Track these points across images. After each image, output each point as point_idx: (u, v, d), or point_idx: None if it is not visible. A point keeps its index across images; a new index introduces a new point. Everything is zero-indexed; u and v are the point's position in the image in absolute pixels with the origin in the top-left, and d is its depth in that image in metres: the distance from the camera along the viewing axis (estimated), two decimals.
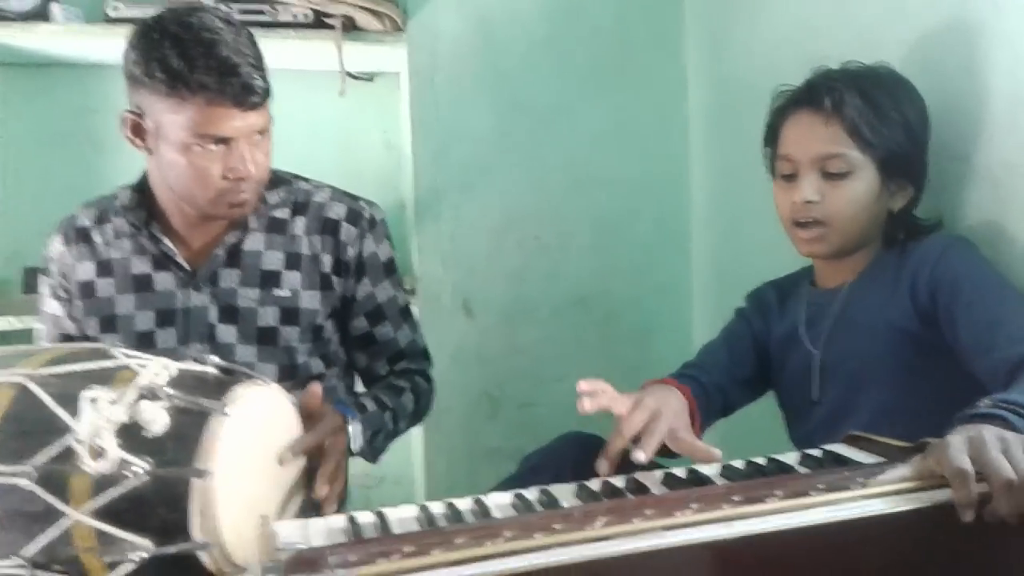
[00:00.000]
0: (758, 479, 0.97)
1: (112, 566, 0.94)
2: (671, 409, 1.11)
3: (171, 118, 1.23)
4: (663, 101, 2.10)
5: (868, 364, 1.22)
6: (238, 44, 1.23)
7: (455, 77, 1.99)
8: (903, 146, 1.23)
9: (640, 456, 1.04)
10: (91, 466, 0.94)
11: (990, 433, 0.83)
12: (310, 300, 1.38)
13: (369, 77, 2.07)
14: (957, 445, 0.82)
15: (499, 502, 0.95)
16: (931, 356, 1.17)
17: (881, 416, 1.17)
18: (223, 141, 1.25)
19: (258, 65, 1.25)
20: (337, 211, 1.42)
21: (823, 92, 1.22)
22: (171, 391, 1.00)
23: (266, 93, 1.27)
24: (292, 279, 1.38)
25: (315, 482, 1.13)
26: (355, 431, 1.25)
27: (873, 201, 1.23)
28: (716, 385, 1.35)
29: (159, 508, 0.95)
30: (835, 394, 1.26)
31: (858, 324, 1.25)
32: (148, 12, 1.30)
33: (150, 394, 0.99)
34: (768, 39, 1.79)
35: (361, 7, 1.85)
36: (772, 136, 1.32)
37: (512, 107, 2.02)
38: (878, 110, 1.21)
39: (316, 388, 1.18)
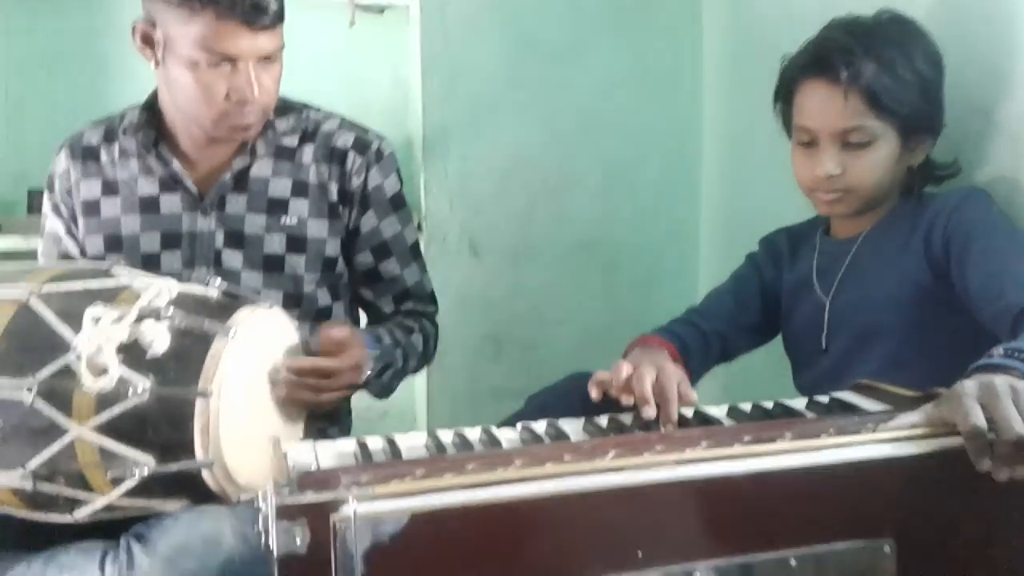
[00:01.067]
0: (766, 421, 0.96)
1: (115, 481, 0.94)
2: (671, 372, 1.06)
3: (180, 30, 1.21)
4: (678, 46, 2.06)
5: (878, 315, 1.21)
6: None
7: (467, 12, 1.94)
8: (921, 106, 1.20)
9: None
10: (93, 383, 0.93)
11: (1003, 382, 0.82)
12: (317, 229, 1.37)
13: (379, 9, 2.02)
14: (970, 394, 0.81)
15: (508, 435, 0.94)
16: (941, 309, 1.16)
17: (888, 367, 1.16)
18: (230, 60, 1.23)
19: None
20: (345, 140, 1.39)
21: (838, 62, 1.18)
22: (173, 311, 0.99)
23: (278, 16, 1.24)
24: (299, 207, 1.36)
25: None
26: (370, 357, 1.24)
27: (895, 163, 1.22)
28: (716, 332, 1.35)
29: (162, 426, 0.96)
30: (844, 343, 1.26)
31: (870, 275, 1.24)
32: None
33: (152, 314, 0.99)
34: None
35: None
36: (786, 98, 1.29)
37: (524, 45, 1.98)
38: (894, 75, 1.17)
39: (343, 326, 1.19)
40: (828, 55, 1.20)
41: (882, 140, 1.20)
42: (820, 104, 1.21)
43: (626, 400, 1.01)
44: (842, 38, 1.21)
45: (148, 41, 1.26)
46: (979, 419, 0.79)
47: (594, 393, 1.05)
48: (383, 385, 1.37)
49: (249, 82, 1.24)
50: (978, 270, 1.09)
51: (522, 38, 1.98)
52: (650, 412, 0.99)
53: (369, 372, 1.23)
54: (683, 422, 0.99)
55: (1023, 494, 0.80)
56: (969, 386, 0.83)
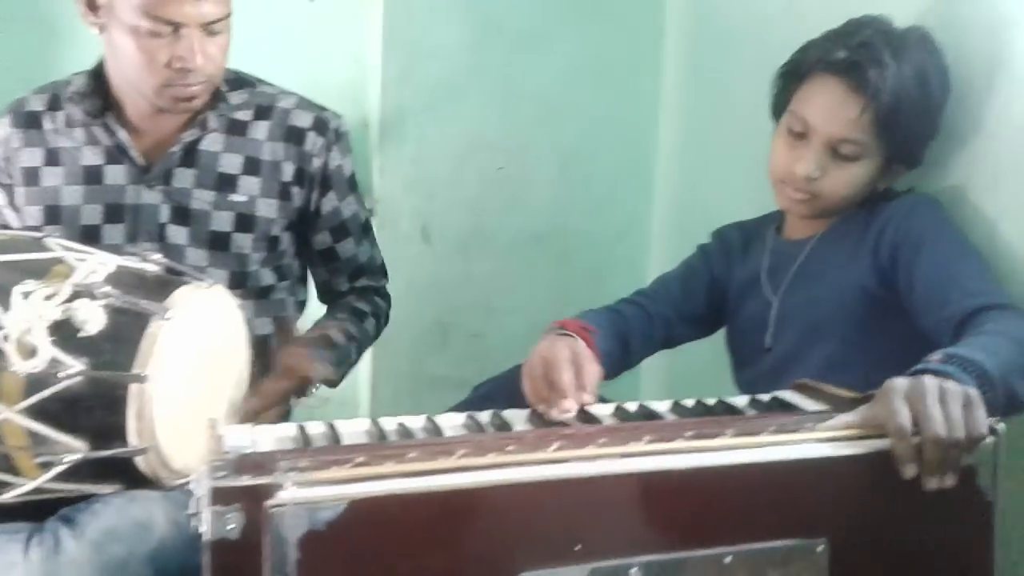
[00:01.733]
0: (708, 417, 0.97)
1: (45, 466, 0.91)
2: (562, 357, 1.06)
3: None
4: (640, 38, 2.05)
5: (823, 317, 1.22)
6: None
7: None
8: (921, 143, 1.21)
9: (586, 398, 1.02)
10: (22, 365, 0.90)
11: (932, 382, 0.83)
12: (267, 208, 1.34)
13: None
14: (898, 393, 0.83)
15: (451, 423, 0.94)
16: (885, 316, 1.17)
17: (829, 369, 1.16)
18: (172, 27, 1.19)
19: None
20: (303, 119, 1.37)
21: (870, 73, 1.14)
22: (109, 289, 0.96)
23: None
24: (249, 184, 1.33)
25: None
26: (320, 375, 1.26)
27: (868, 182, 1.22)
28: (661, 315, 1.35)
29: (95, 410, 0.93)
30: (788, 343, 1.27)
31: (819, 277, 1.25)
32: None
33: (87, 291, 0.96)
34: None
35: None
36: (792, 78, 1.25)
37: (487, 30, 1.95)
38: (912, 102, 1.15)
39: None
40: (862, 62, 1.15)
41: (868, 159, 1.19)
42: (833, 104, 1.18)
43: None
44: (878, 48, 1.16)
45: (92, 6, 1.23)
46: (904, 418, 0.81)
47: (539, 408, 1.03)
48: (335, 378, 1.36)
49: (192, 50, 1.21)
50: (924, 278, 1.11)
51: (485, 23, 1.95)
52: (566, 406, 0.99)
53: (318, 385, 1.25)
54: (627, 416, 0.99)
55: (952, 496, 0.82)
56: (898, 384, 0.84)
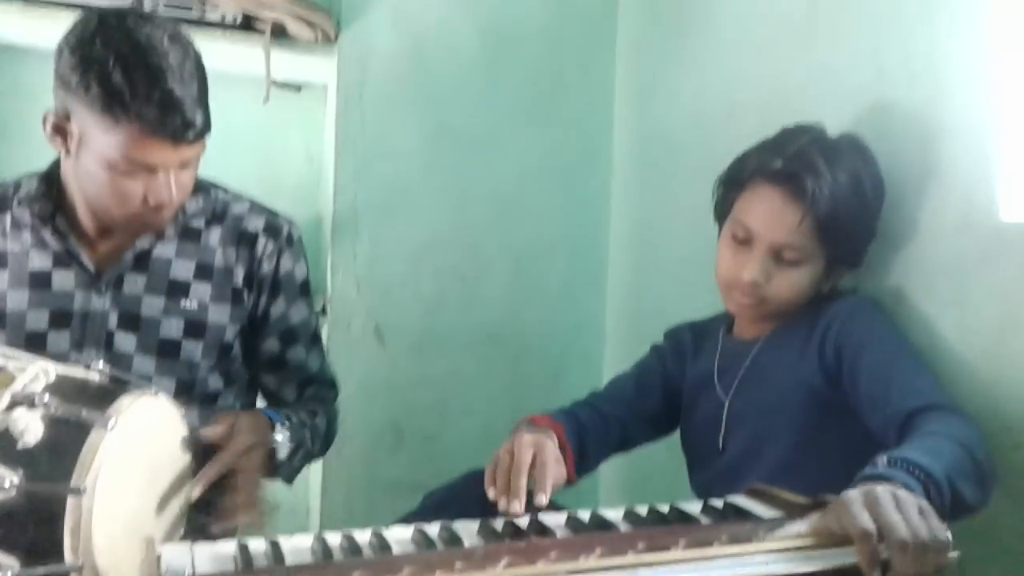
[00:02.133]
0: (661, 527, 0.96)
1: None
2: (548, 450, 1.10)
3: (100, 134, 1.16)
4: (590, 140, 2.12)
5: (774, 418, 1.23)
6: (183, 72, 1.16)
7: (384, 94, 1.96)
8: (861, 245, 1.26)
9: (542, 500, 1.04)
10: None
11: (884, 490, 0.84)
12: (219, 314, 1.33)
13: (296, 87, 2.03)
14: (856, 504, 0.83)
15: (399, 536, 0.91)
16: (834, 415, 1.19)
17: (781, 471, 1.17)
18: (150, 168, 1.18)
19: (202, 98, 1.19)
20: (255, 224, 1.37)
21: (808, 184, 1.18)
22: (48, 398, 0.94)
23: (205, 129, 1.20)
24: (201, 291, 1.32)
25: (204, 486, 1.09)
26: (283, 439, 1.22)
27: (812, 285, 1.25)
28: (617, 419, 1.35)
29: (28, 526, 0.89)
30: (740, 444, 1.28)
31: (768, 377, 1.27)
32: None
33: (26, 400, 0.93)
34: (692, 89, 1.83)
35: (293, 14, 1.81)
36: (733, 185, 1.29)
37: (439, 131, 2.00)
38: (848, 208, 1.20)
39: (220, 425, 1.15)
40: (799, 172, 1.19)
41: (811, 263, 1.23)
42: (772, 213, 1.21)
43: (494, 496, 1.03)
44: (813, 157, 1.20)
45: (60, 132, 1.20)
46: (867, 523, 0.80)
47: (491, 494, 1.04)
48: (293, 468, 1.32)
49: (168, 187, 1.20)
50: (867, 378, 1.13)
51: (438, 124, 2.00)
52: (514, 507, 0.99)
53: (287, 451, 1.21)
54: (579, 526, 0.97)
55: None
56: (853, 495, 0.84)
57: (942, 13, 1.23)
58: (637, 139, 2.07)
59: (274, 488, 1.34)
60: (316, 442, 1.37)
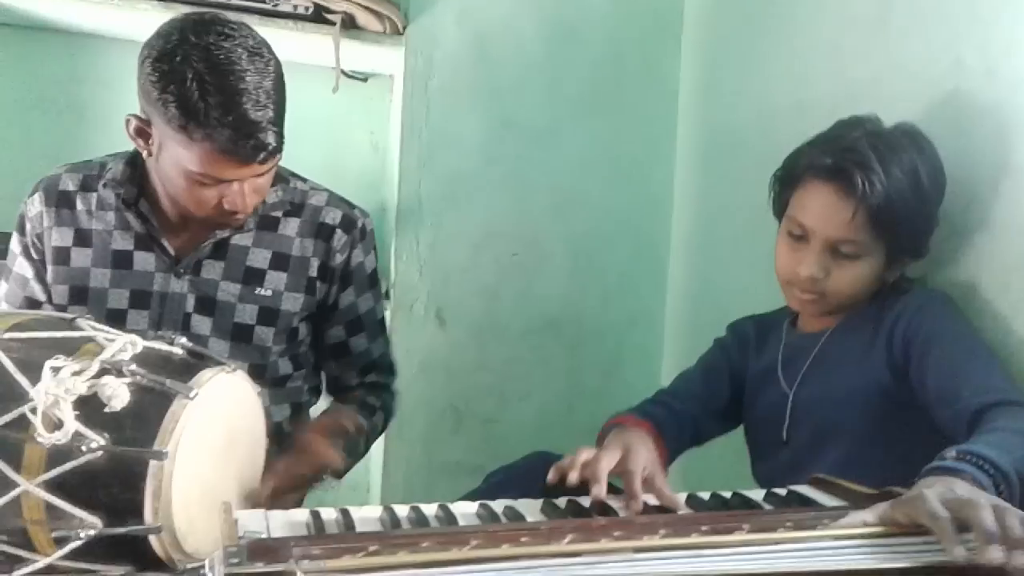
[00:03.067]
0: (724, 511, 0.97)
1: (59, 541, 0.91)
2: (644, 454, 1.07)
3: (176, 147, 1.19)
4: (652, 134, 2.12)
5: (839, 412, 1.22)
6: (260, 92, 1.17)
7: (449, 86, 1.99)
8: (918, 232, 1.23)
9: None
10: (46, 437, 0.91)
11: (963, 488, 0.82)
12: (292, 303, 1.36)
13: (363, 77, 2.06)
14: (932, 498, 0.80)
15: (464, 511, 0.93)
16: (901, 411, 1.17)
17: (846, 463, 1.16)
18: (225, 181, 1.22)
19: (277, 119, 1.20)
20: (333, 216, 1.39)
21: (857, 177, 1.17)
22: (135, 368, 0.98)
23: (278, 150, 1.22)
24: (276, 279, 1.35)
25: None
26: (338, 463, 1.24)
27: (875, 278, 1.24)
28: (690, 415, 1.35)
29: (112, 486, 0.93)
30: (804, 437, 1.27)
31: (833, 371, 1.26)
32: None
33: (114, 369, 0.97)
34: (759, 86, 1.82)
35: (363, 6, 1.85)
36: (787, 183, 1.29)
37: (502, 123, 2.02)
38: (904, 200, 1.18)
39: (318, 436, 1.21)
40: (848, 167, 1.18)
41: (870, 256, 1.21)
42: (825, 209, 1.20)
43: (574, 478, 1.01)
44: (864, 152, 1.19)
45: (142, 135, 1.24)
46: (944, 511, 0.77)
47: (551, 475, 1.04)
48: (345, 469, 1.36)
49: (242, 195, 1.23)
50: (936, 374, 1.11)
51: (501, 115, 2.02)
52: (598, 491, 0.97)
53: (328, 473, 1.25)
54: (643, 509, 0.98)
55: None
56: (931, 491, 0.81)
57: (1021, 3, 1.21)
58: (701, 133, 2.06)
59: None
60: (372, 440, 1.41)
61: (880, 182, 1.17)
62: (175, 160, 1.20)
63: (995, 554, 0.74)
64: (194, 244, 1.33)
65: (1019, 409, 1.02)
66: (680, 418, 1.33)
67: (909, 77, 1.40)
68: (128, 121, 1.24)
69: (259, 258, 1.35)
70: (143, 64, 1.19)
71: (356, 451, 1.36)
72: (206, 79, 1.14)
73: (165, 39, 1.17)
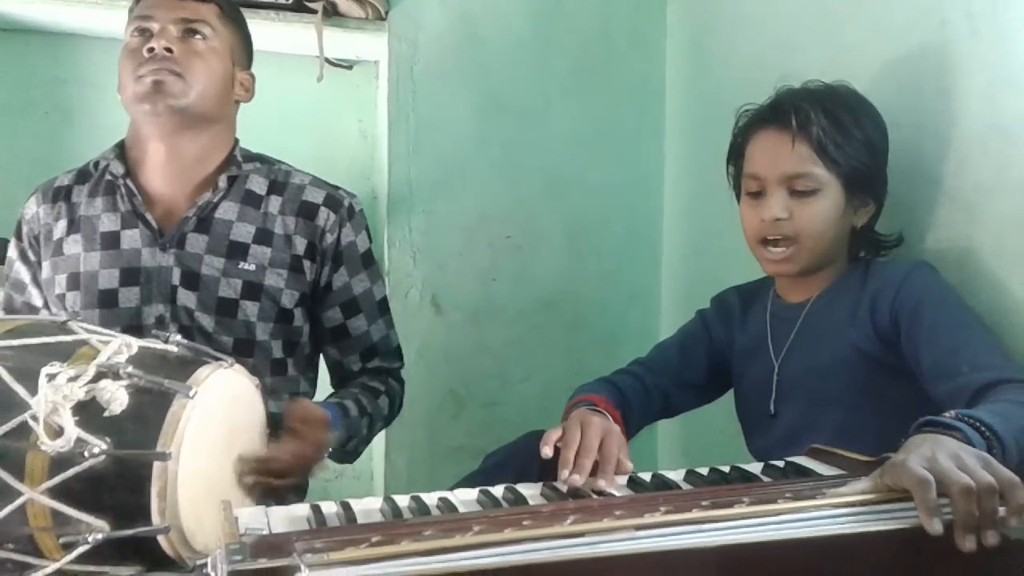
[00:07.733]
0: (723, 485, 0.97)
1: (67, 547, 0.92)
2: (616, 437, 1.09)
3: (127, 34, 1.34)
4: (641, 109, 2.11)
5: (827, 382, 1.23)
6: None
7: (435, 70, 1.97)
8: (866, 164, 1.24)
9: (602, 484, 1.02)
10: (48, 444, 0.91)
11: (942, 449, 0.83)
12: (275, 278, 1.37)
13: (348, 65, 2.05)
14: (912, 459, 0.82)
15: (465, 498, 0.94)
16: (890, 377, 1.18)
17: (840, 434, 1.15)
18: (151, 30, 1.31)
19: None
20: (316, 196, 1.41)
21: (789, 111, 1.23)
22: (132, 370, 0.98)
23: None
24: (260, 254, 1.36)
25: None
26: (333, 439, 1.24)
27: (839, 217, 1.25)
28: (659, 387, 1.37)
29: (117, 490, 0.94)
30: (793, 410, 1.27)
31: (819, 341, 1.26)
32: None
33: (110, 372, 0.97)
34: (746, 55, 1.81)
35: None
36: (737, 154, 1.33)
37: (491, 104, 2.01)
38: (842, 129, 1.22)
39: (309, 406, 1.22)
40: (780, 105, 1.26)
41: (828, 190, 1.23)
42: (769, 150, 1.25)
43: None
44: (795, 92, 1.28)
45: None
46: (924, 473, 0.79)
47: (545, 451, 1.06)
48: (347, 453, 1.37)
49: (159, 39, 1.30)
50: (930, 348, 1.11)
51: (489, 97, 2.01)
52: (575, 479, 0.99)
53: (330, 449, 1.24)
54: (642, 487, 0.99)
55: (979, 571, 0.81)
56: (912, 455, 0.83)
57: None
58: (690, 108, 2.05)
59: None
60: (376, 424, 1.41)
61: (815, 112, 1.22)
62: (124, 50, 1.32)
63: (968, 545, 0.77)
64: (178, 217, 1.35)
65: (1019, 385, 1.02)
66: (649, 392, 1.35)
67: (895, 40, 1.40)
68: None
69: (243, 232, 1.36)
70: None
71: (358, 432, 1.35)
72: None
73: None
